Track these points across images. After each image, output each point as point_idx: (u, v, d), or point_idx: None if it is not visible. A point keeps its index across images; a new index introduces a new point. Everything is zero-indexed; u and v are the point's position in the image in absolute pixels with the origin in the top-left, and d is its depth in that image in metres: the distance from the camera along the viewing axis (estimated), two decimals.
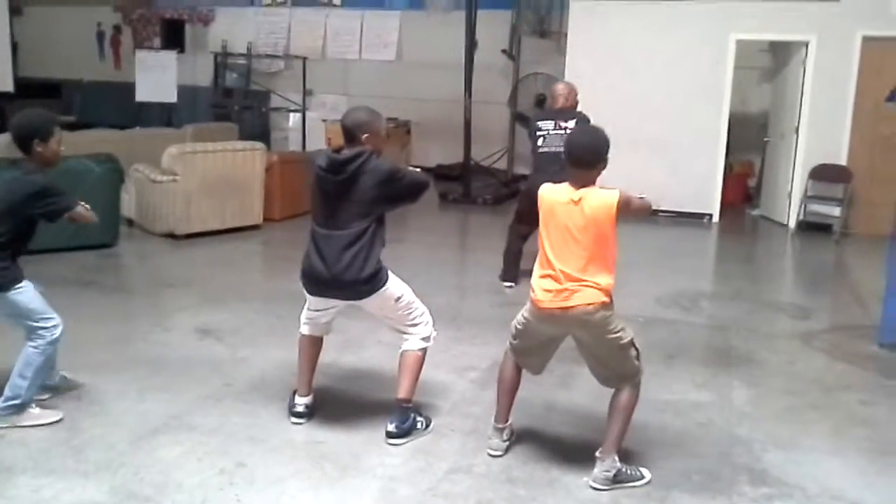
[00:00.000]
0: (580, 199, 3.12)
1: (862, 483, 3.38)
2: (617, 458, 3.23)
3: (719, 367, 4.73)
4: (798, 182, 9.10)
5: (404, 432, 3.56)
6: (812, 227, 8.99)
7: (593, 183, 3.17)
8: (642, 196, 3.24)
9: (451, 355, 4.62)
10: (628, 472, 3.26)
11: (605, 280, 3.15)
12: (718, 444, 3.69)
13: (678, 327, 5.42)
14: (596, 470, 3.23)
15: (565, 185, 3.20)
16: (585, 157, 3.15)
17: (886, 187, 8.79)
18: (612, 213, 3.10)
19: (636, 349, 3.27)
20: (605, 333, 3.18)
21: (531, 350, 3.43)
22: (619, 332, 3.20)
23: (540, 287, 3.20)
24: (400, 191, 3.56)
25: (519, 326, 3.39)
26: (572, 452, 3.50)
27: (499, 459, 3.42)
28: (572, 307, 3.12)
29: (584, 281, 3.11)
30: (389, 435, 3.54)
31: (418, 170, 3.78)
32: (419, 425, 3.64)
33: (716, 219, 9.54)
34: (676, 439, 3.71)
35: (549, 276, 3.18)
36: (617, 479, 3.22)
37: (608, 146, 3.19)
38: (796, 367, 4.81)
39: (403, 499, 3.13)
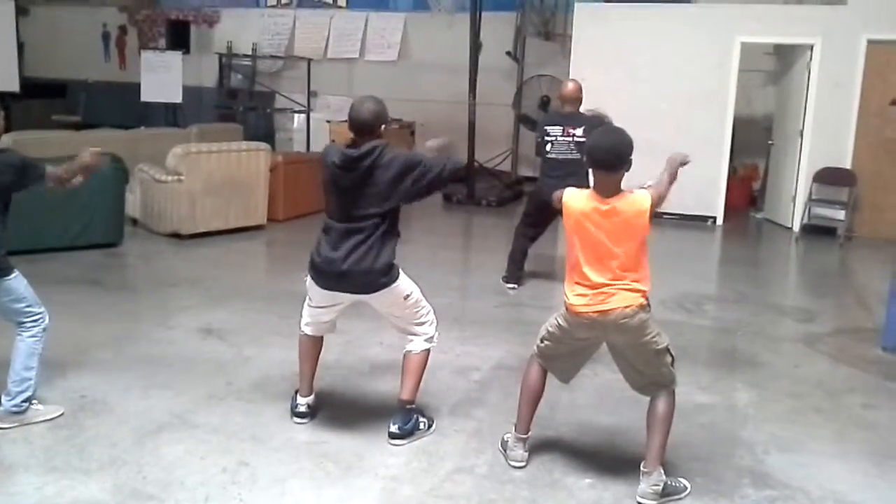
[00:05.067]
0: (611, 210, 3.01)
1: (865, 486, 3.37)
2: (663, 471, 3.13)
3: (723, 370, 4.72)
4: (802, 185, 9.08)
5: (407, 433, 3.56)
6: (816, 231, 8.97)
7: (619, 185, 3.06)
8: (649, 185, 3.11)
9: (453, 356, 4.62)
10: (674, 484, 3.17)
11: (642, 283, 3.09)
12: (722, 446, 3.69)
13: (682, 330, 5.40)
14: (643, 485, 3.11)
15: (590, 193, 3.08)
16: (608, 159, 3.03)
17: (891, 191, 8.82)
18: (647, 219, 3.03)
19: (671, 356, 3.18)
20: (641, 338, 3.09)
21: (561, 356, 3.32)
22: (655, 337, 3.12)
23: (574, 293, 3.11)
24: (419, 183, 3.41)
25: (551, 329, 3.27)
26: (574, 453, 3.50)
27: (500, 461, 3.41)
28: (609, 310, 3.03)
29: (619, 284, 3.05)
30: (392, 435, 3.54)
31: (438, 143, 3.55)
32: (422, 426, 3.64)
33: (720, 222, 9.53)
34: (679, 441, 3.68)
35: (582, 284, 3.09)
36: (665, 493, 3.11)
37: (631, 147, 3.07)
38: (800, 369, 4.81)
39: (405, 499, 3.13)
